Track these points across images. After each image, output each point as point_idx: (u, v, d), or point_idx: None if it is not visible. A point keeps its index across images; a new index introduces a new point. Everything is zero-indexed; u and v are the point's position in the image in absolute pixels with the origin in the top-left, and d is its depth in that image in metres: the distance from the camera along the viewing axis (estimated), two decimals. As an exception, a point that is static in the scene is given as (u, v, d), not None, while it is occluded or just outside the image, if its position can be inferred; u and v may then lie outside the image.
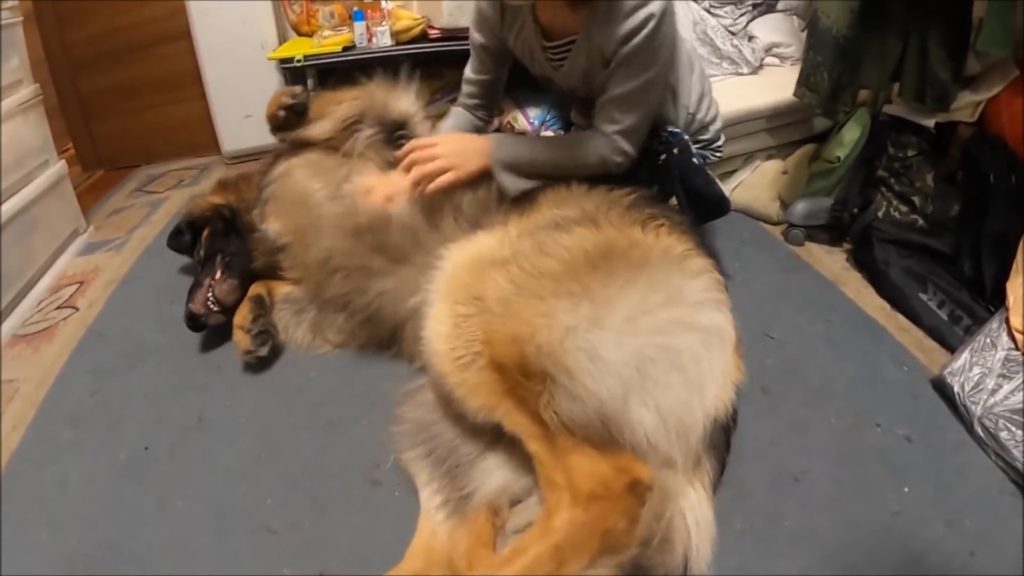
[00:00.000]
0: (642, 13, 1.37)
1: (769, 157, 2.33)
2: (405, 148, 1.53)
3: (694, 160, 1.67)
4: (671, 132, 1.63)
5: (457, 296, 1.14)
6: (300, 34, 2.85)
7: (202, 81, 2.92)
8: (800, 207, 2.03)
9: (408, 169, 1.49)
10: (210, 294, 1.69)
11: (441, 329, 1.13)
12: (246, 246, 1.75)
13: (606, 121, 1.49)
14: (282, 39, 2.88)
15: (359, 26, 2.58)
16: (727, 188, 2.25)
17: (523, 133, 2.75)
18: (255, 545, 1.19)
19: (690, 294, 1.10)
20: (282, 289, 1.74)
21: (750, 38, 2.62)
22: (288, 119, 1.72)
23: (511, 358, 1.02)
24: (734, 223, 2.16)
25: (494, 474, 1.16)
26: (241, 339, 1.61)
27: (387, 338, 1.56)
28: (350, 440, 1.38)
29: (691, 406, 1.01)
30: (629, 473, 0.97)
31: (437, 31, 2.56)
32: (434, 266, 1.27)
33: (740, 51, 2.52)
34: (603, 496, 0.96)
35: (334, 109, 1.67)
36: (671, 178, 1.63)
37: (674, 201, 1.69)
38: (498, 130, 2.86)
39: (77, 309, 2.03)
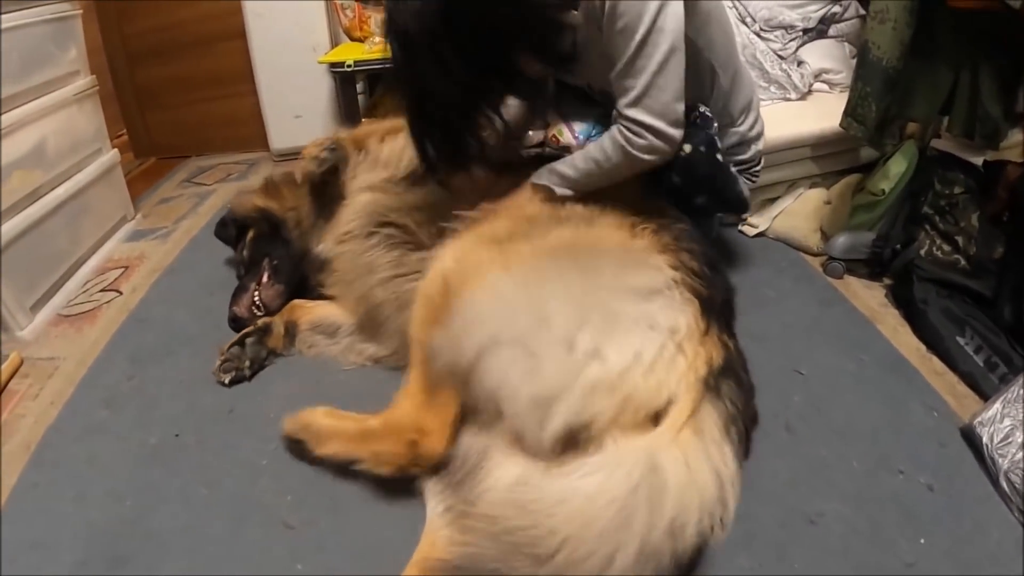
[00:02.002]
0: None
1: (813, 185, 2.29)
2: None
3: (718, 157, 1.55)
4: (701, 113, 1.52)
5: (453, 253, 1.28)
6: (352, 39, 2.90)
7: (254, 79, 3.00)
8: (841, 240, 1.99)
9: None
10: (256, 298, 1.73)
11: (431, 271, 1.29)
12: (292, 252, 1.79)
13: (620, 95, 1.37)
14: (334, 43, 2.94)
15: (409, 33, 2.60)
16: (768, 215, 2.23)
17: (567, 148, 2.75)
18: (271, 538, 1.22)
19: (617, 284, 1.12)
20: (316, 312, 1.73)
21: (799, 63, 2.58)
22: (325, 178, 1.74)
23: (438, 296, 1.19)
24: (773, 252, 2.14)
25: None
26: (216, 357, 1.63)
27: None
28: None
29: (567, 376, 1.03)
30: (420, 436, 1.18)
31: (485, 39, 2.56)
32: None
33: (789, 76, 2.48)
34: (394, 432, 1.21)
35: (400, 145, 1.67)
36: (694, 176, 1.51)
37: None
38: (543, 143, 2.86)
39: (120, 293, 2.11)
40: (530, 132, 2.77)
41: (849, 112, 1.99)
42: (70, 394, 1.66)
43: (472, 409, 1.19)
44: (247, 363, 1.61)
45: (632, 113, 1.35)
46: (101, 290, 2.15)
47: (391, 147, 1.71)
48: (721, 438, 1.01)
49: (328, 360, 1.68)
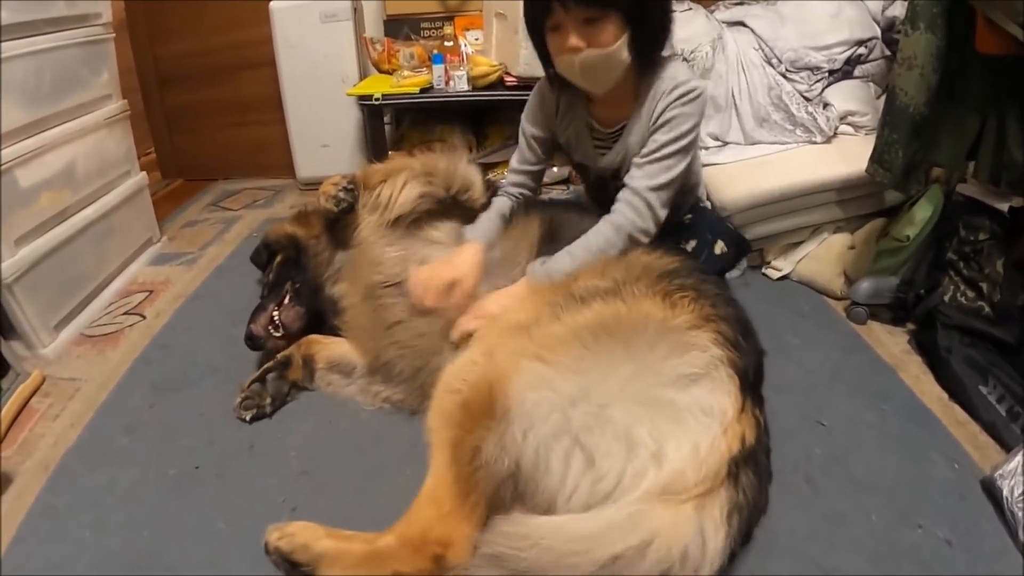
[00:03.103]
0: (693, 82, 1.51)
1: (837, 229, 2.28)
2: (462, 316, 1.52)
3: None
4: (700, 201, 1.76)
5: (480, 347, 1.26)
6: (380, 71, 2.92)
7: (283, 107, 3.03)
8: (865, 286, 1.97)
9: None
10: (275, 318, 1.74)
11: (455, 364, 1.26)
12: (309, 279, 1.80)
13: (643, 177, 1.52)
14: (363, 75, 2.97)
15: (438, 69, 2.65)
16: (793, 259, 2.23)
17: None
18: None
19: (669, 369, 1.09)
20: (332, 350, 1.72)
21: (825, 105, 2.57)
22: (340, 216, 1.74)
23: (477, 395, 1.11)
24: (796, 296, 2.13)
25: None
26: (237, 394, 1.63)
27: None
28: (391, 488, 1.37)
29: (627, 479, 1.01)
30: (445, 549, 1.06)
31: (513, 79, 2.60)
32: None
33: (815, 119, 2.47)
34: (415, 548, 1.07)
35: (396, 188, 1.66)
36: (699, 232, 1.75)
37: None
38: (567, 180, 2.88)
39: (144, 317, 2.13)
40: (554, 168, 2.81)
41: (876, 159, 1.97)
42: (90, 417, 1.67)
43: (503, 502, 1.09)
44: (268, 400, 1.62)
45: (652, 199, 1.50)
46: (124, 313, 2.18)
47: (389, 188, 1.68)
48: (720, 521, 1.00)
49: (347, 399, 1.68)
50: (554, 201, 1.92)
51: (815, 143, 2.45)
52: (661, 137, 1.52)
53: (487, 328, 1.36)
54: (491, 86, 2.67)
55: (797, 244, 2.28)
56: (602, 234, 1.51)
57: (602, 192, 1.80)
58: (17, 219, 1.87)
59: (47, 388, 1.81)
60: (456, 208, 1.72)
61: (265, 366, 1.67)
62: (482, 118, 3.01)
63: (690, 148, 1.54)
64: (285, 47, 2.90)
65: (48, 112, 2.02)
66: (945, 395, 1.66)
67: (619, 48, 1.45)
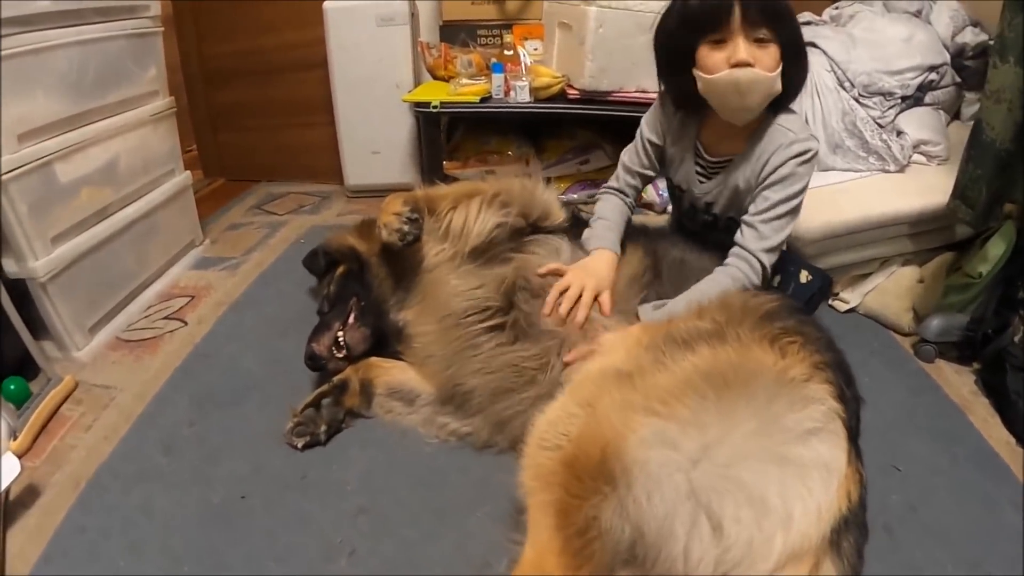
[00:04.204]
0: (811, 142, 1.48)
1: (906, 262, 2.20)
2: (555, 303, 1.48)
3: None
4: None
5: (577, 397, 1.16)
6: (435, 78, 2.84)
7: (333, 111, 2.94)
8: (935, 324, 1.89)
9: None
10: (340, 338, 1.62)
11: (549, 415, 1.16)
12: (372, 299, 1.69)
13: (754, 238, 1.49)
14: (417, 81, 2.88)
15: (497, 78, 2.56)
16: (860, 291, 2.16)
17: (650, 204, 2.69)
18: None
19: (793, 423, 1.02)
20: (394, 375, 1.61)
21: (899, 133, 2.48)
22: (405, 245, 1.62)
23: (586, 456, 1.02)
24: (865, 331, 2.05)
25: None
26: (289, 418, 1.52)
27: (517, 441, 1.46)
28: (462, 531, 1.27)
29: (756, 546, 0.92)
30: None
31: (576, 92, 2.51)
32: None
33: (889, 147, 2.37)
34: None
35: (471, 217, 1.59)
36: (783, 263, 1.71)
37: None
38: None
39: (185, 323, 2.03)
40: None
41: (958, 194, 1.91)
42: (126, 431, 1.56)
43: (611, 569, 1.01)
44: (323, 427, 1.49)
45: (764, 260, 1.48)
46: (164, 317, 2.07)
47: (461, 216, 1.59)
48: None
49: (407, 429, 1.56)
50: (652, 231, 1.84)
51: (888, 172, 2.37)
52: (774, 195, 1.48)
53: (583, 373, 1.26)
54: (552, 98, 2.57)
55: (865, 276, 2.21)
56: (720, 284, 1.46)
57: (692, 220, 1.76)
58: (55, 216, 1.78)
59: (79, 395, 1.72)
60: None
61: (320, 390, 1.55)
62: (539, 130, 2.92)
63: (799, 208, 1.52)
64: (339, 49, 2.80)
65: (92, 105, 1.93)
66: (1013, 439, 1.60)
67: (777, 77, 1.41)
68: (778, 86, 1.42)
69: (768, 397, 1.03)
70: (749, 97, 1.42)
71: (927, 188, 2.12)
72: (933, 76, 2.47)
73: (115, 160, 2.04)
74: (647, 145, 1.71)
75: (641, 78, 2.46)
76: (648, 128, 1.70)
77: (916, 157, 2.44)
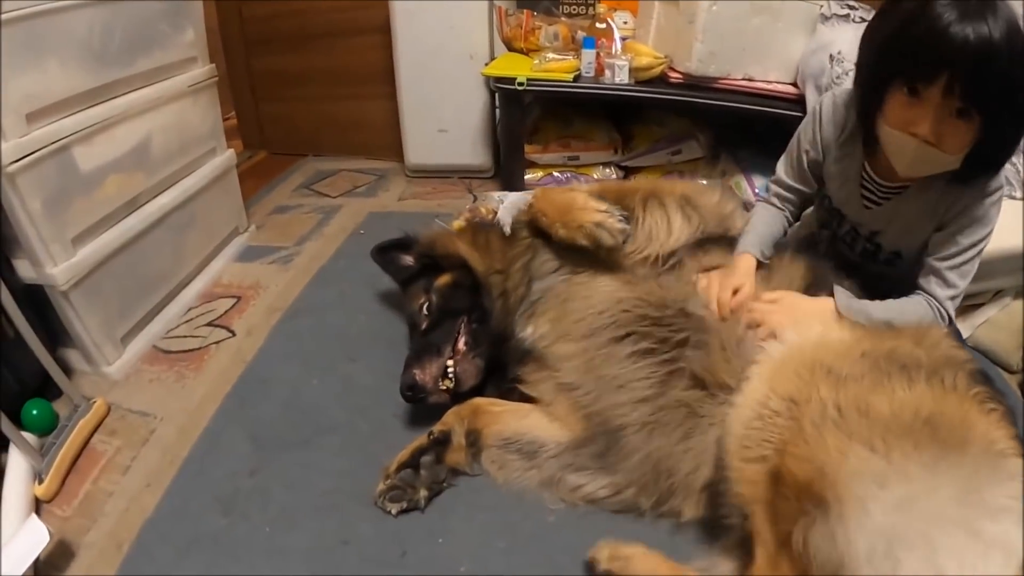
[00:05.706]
0: (1000, 178, 1.35)
1: (1018, 295, 2.04)
2: (745, 306, 1.35)
3: None
4: None
5: (776, 387, 1.13)
6: (511, 49, 2.53)
7: (395, 82, 2.65)
8: None
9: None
10: (449, 369, 1.36)
11: (744, 413, 1.14)
12: (489, 327, 1.42)
13: (941, 285, 1.40)
14: (492, 52, 2.58)
15: (588, 54, 2.23)
16: (971, 322, 2.01)
17: (746, 202, 2.40)
18: None
19: (991, 498, 1.00)
20: (507, 423, 1.34)
21: (1024, 154, 2.21)
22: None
23: (798, 475, 1.04)
24: None
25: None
26: (380, 479, 1.27)
27: (662, 500, 1.22)
28: None
29: None
30: None
31: (679, 75, 2.19)
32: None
33: (1018, 171, 2.10)
34: None
35: (665, 220, 1.44)
36: None
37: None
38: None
39: (233, 334, 1.75)
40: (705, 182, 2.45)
41: None
42: (172, 477, 1.31)
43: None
44: (422, 492, 1.23)
45: (949, 308, 1.40)
46: (208, 324, 1.79)
47: (652, 219, 1.41)
48: None
49: (525, 489, 1.26)
50: (820, 250, 1.67)
51: (1015, 197, 2.09)
52: (965, 240, 1.38)
53: (780, 356, 1.19)
54: (652, 81, 2.24)
55: (977, 307, 2.05)
56: (919, 315, 1.36)
57: (850, 248, 1.60)
58: (75, 211, 1.52)
59: (113, 423, 1.47)
60: None
61: (417, 444, 1.26)
62: (622, 114, 2.60)
63: (983, 252, 1.42)
64: (404, 13, 2.49)
65: (118, 76, 1.65)
66: None
67: (959, 158, 1.24)
68: (955, 165, 1.25)
69: (975, 464, 1.03)
70: (916, 169, 1.31)
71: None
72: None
73: (146, 140, 1.76)
74: (803, 157, 1.55)
75: (749, 65, 2.17)
76: (806, 141, 1.55)
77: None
